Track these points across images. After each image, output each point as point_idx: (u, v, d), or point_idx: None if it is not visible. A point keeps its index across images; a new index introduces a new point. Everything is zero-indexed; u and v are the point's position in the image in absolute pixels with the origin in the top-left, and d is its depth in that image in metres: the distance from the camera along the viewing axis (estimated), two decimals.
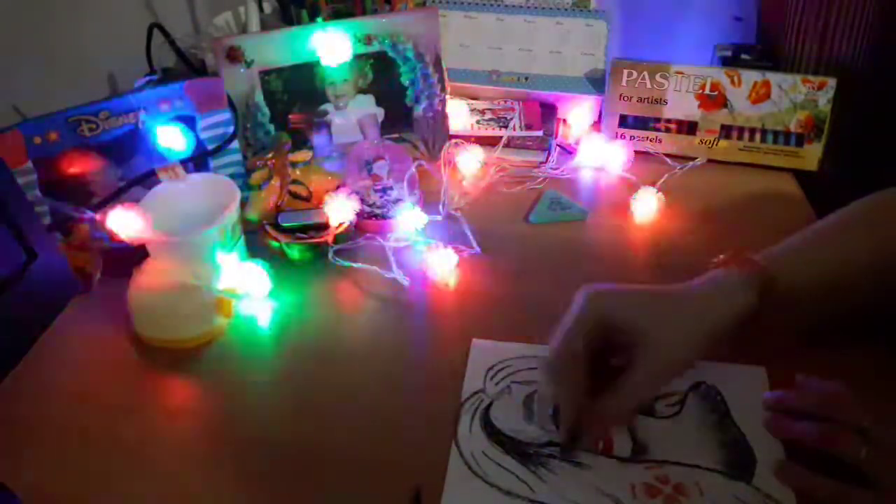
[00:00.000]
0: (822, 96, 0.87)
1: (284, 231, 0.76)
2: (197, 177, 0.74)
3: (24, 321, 0.67)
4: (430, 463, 0.55)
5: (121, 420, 0.61)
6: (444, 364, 0.64)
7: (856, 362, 0.61)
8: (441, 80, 0.88)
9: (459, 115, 0.94)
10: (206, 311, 0.67)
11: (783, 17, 1.00)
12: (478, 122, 0.95)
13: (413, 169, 0.82)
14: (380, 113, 0.89)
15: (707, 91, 0.90)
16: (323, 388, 0.63)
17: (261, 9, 1.03)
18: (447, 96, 0.89)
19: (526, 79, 0.97)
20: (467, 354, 0.64)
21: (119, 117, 0.75)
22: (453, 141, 0.86)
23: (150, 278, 0.67)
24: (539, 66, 0.97)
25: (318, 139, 0.88)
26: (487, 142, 0.91)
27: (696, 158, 0.91)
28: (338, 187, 0.80)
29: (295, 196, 0.79)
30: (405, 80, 0.88)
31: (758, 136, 0.90)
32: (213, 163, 0.81)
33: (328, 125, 0.88)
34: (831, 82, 0.87)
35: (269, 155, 0.79)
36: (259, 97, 0.83)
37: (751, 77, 0.89)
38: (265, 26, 1.02)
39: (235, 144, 0.82)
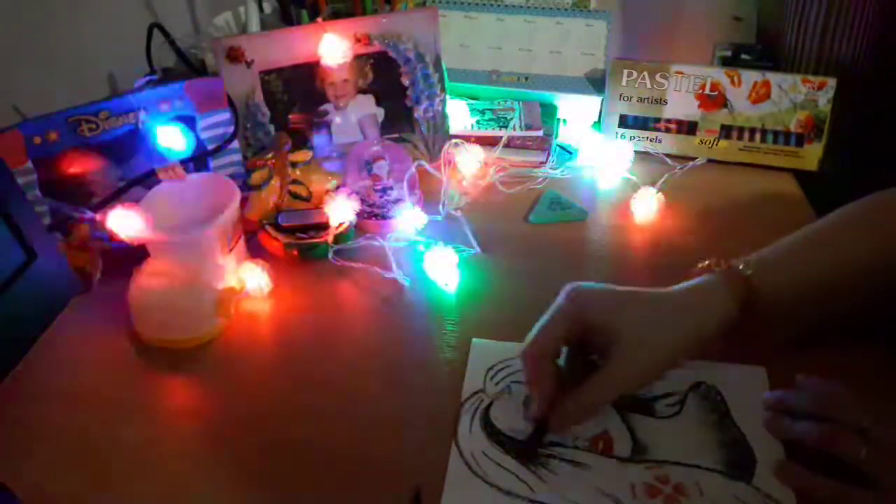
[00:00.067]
0: (822, 96, 0.87)
1: (284, 231, 0.76)
2: (197, 177, 0.74)
3: (24, 321, 0.67)
4: (430, 463, 0.55)
5: (121, 420, 0.61)
6: (444, 364, 0.64)
7: (856, 362, 0.61)
8: (441, 80, 0.88)
9: (459, 115, 0.94)
10: (206, 311, 0.67)
11: (783, 17, 1.00)
12: (478, 122, 0.95)
13: (413, 169, 0.82)
14: (380, 113, 0.89)
15: (707, 91, 0.90)
16: (323, 388, 0.63)
17: (261, 9, 1.04)
18: (447, 96, 0.89)
19: (526, 79, 0.97)
20: (467, 354, 0.65)
21: (119, 117, 0.75)
22: (453, 141, 0.86)
23: (150, 278, 0.67)
24: (539, 66, 0.97)
25: (318, 139, 0.88)
26: (487, 142, 0.91)
27: (696, 158, 0.91)
28: (338, 187, 0.80)
29: (295, 196, 0.79)
30: (405, 80, 0.88)
31: (758, 136, 0.90)
32: (213, 163, 0.81)
33: (328, 125, 0.88)
34: (831, 82, 0.87)
35: (269, 155, 0.79)
36: (259, 97, 0.83)
37: (751, 77, 0.89)
38: (265, 26, 1.02)
39: (235, 144, 0.82)
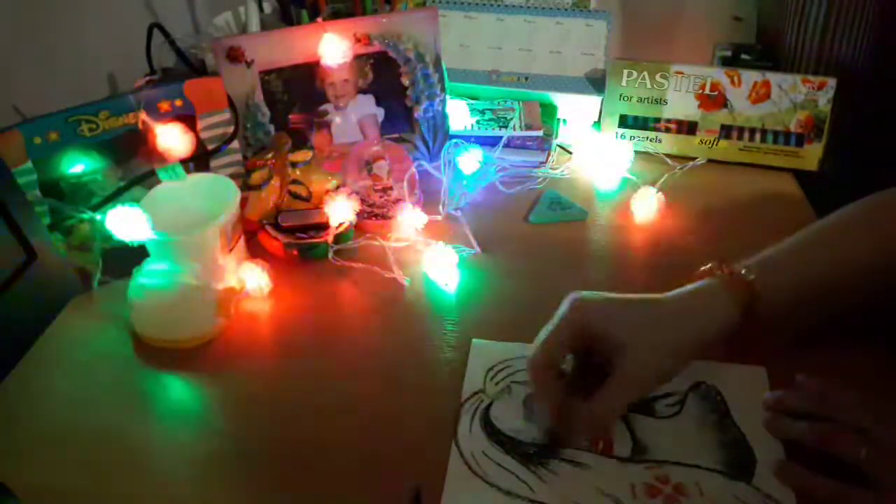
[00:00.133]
0: (822, 96, 0.87)
1: (284, 231, 0.76)
2: (197, 177, 0.74)
3: (24, 321, 0.68)
4: (430, 463, 0.55)
5: (121, 420, 0.61)
6: (444, 364, 0.64)
7: (856, 362, 0.61)
8: (441, 80, 0.88)
9: (459, 115, 0.94)
10: (206, 311, 0.67)
11: (783, 17, 1.00)
12: (478, 122, 0.95)
13: (413, 169, 0.82)
14: (380, 113, 0.89)
15: (707, 91, 0.90)
16: (323, 388, 0.63)
17: (261, 9, 1.03)
18: (447, 96, 0.89)
19: (526, 79, 0.97)
20: (467, 354, 0.65)
21: (119, 117, 0.75)
22: (453, 141, 0.86)
23: (149, 278, 0.67)
24: (539, 66, 0.97)
25: (318, 139, 0.88)
26: (487, 142, 0.91)
27: (696, 158, 0.91)
28: (338, 187, 0.80)
29: (295, 196, 0.79)
30: (405, 80, 0.88)
31: (758, 136, 0.90)
32: (213, 163, 0.81)
33: (328, 125, 0.88)
34: (831, 82, 0.87)
35: (269, 155, 0.79)
36: (259, 97, 0.83)
37: (751, 77, 0.89)
38: (265, 26, 1.02)
39: (235, 144, 0.82)
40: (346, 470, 0.56)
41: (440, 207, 0.82)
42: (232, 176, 0.77)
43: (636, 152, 0.89)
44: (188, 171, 0.72)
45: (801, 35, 0.97)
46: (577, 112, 0.96)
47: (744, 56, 1.01)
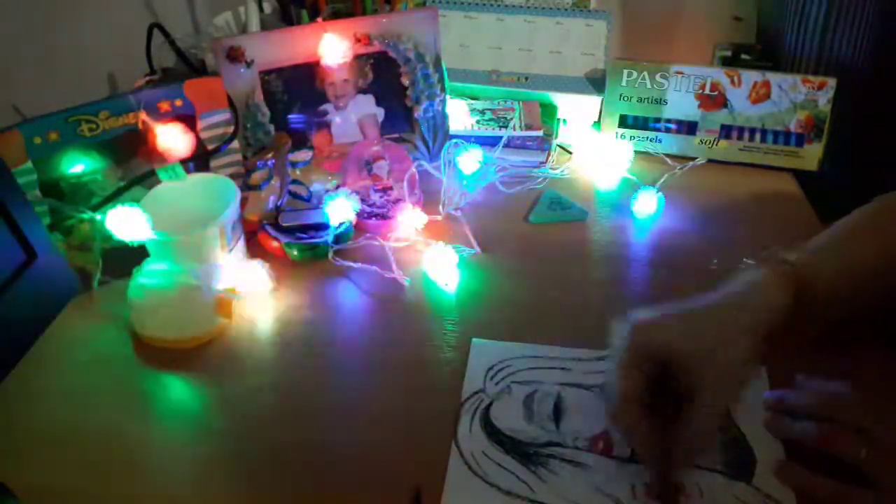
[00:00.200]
0: (822, 96, 0.87)
1: (284, 231, 0.76)
2: (197, 177, 0.74)
3: (24, 321, 0.67)
4: (430, 463, 0.55)
5: (121, 420, 0.61)
6: (444, 364, 0.64)
7: (856, 362, 0.61)
8: (441, 80, 0.88)
9: (459, 115, 0.94)
10: (206, 311, 0.67)
11: (783, 17, 1.00)
12: (478, 122, 0.95)
13: (413, 169, 0.82)
14: (380, 113, 0.89)
15: (707, 91, 0.90)
16: (323, 388, 0.63)
17: (261, 9, 1.03)
18: (447, 96, 0.89)
19: (526, 79, 0.97)
20: (467, 354, 0.65)
21: (119, 117, 0.75)
22: (453, 141, 0.86)
23: (149, 278, 0.67)
24: (539, 66, 0.97)
25: (318, 139, 0.88)
26: (487, 142, 0.91)
27: (696, 158, 0.91)
28: (338, 187, 0.80)
29: (295, 196, 0.79)
30: (405, 80, 0.88)
31: (758, 136, 0.90)
32: (213, 163, 0.81)
33: (328, 125, 0.88)
34: (831, 82, 0.87)
35: (269, 155, 0.79)
36: (259, 97, 0.83)
37: (751, 77, 0.89)
38: (265, 26, 1.02)
39: (235, 144, 0.82)
40: (345, 470, 0.56)
41: (440, 207, 0.82)
42: (232, 176, 0.77)
43: (636, 152, 0.89)
44: (188, 171, 0.72)
45: (801, 35, 0.97)
46: (577, 112, 0.96)
47: (744, 56, 1.01)
